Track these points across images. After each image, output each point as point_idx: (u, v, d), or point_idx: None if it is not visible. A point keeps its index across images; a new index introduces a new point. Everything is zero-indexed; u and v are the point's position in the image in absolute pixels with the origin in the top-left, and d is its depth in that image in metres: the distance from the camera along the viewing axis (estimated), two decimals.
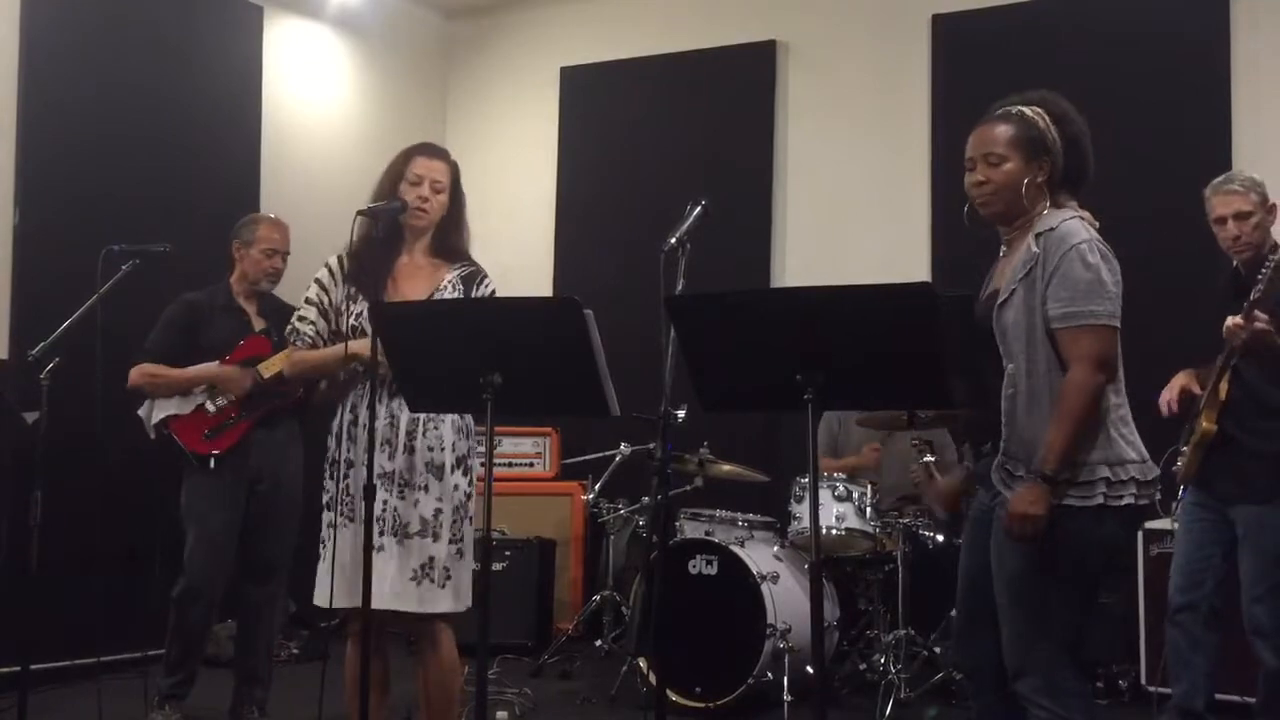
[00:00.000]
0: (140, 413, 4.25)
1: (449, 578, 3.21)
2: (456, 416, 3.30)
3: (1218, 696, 3.84)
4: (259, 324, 4.34)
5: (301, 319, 3.35)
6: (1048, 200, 2.74)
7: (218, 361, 4.22)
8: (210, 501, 4.18)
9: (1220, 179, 3.82)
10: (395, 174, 3.33)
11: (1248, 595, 3.65)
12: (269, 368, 4.17)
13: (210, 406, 4.20)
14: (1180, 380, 3.87)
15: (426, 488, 3.23)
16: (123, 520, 4.52)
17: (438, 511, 3.23)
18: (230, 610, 4.45)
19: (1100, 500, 2.59)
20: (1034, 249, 2.65)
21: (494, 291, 3.39)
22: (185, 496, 4.23)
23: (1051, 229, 2.65)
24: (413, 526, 3.21)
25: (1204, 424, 3.64)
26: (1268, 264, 3.44)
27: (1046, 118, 2.75)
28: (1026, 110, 2.77)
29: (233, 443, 4.20)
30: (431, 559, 3.20)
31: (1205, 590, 3.75)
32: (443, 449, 3.26)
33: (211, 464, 4.16)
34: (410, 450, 3.24)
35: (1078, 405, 2.56)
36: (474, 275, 3.39)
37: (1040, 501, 2.55)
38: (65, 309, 4.05)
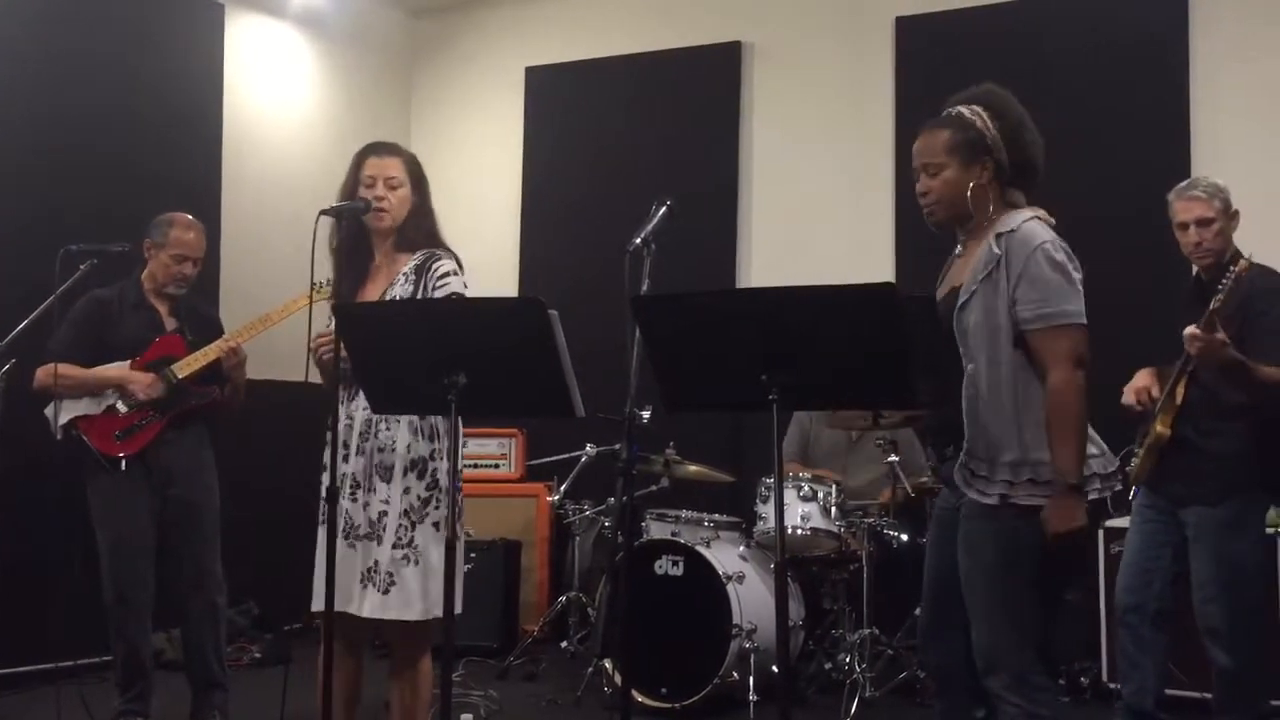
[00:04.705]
0: (46, 412, 4.09)
1: (392, 583, 3.15)
2: (416, 418, 3.25)
3: (1170, 693, 3.87)
4: (170, 323, 4.22)
5: None
6: (998, 200, 2.74)
7: (129, 362, 4.10)
8: (121, 504, 4.08)
9: (1184, 184, 3.79)
10: (352, 181, 3.32)
11: (1199, 596, 3.64)
12: (184, 368, 4.09)
13: (122, 407, 4.08)
14: (1142, 380, 3.84)
15: (374, 489, 3.20)
16: (82, 523, 4.46)
17: (382, 514, 3.19)
18: (176, 620, 4.36)
19: None
20: (995, 250, 2.66)
21: (451, 271, 3.27)
22: (94, 501, 4.11)
23: (1012, 230, 2.66)
24: (362, 529, 3.19)
25: (1158, 428, 3.65)
26: (1229, 274, 3.41)
27: (985, 115, 2.74)
28: (965, 111, 2.76)
29: (144, 444, 4.09)
30: (376, 563, 3.17)
31: (1153, 591, 3.75)
32: (393, 450, 3.21)
33: (122, 465, 4.06)
34: (362, 452, 3.22)
35: (1073, 409, 2.58)
36: (428, 259, 3.28)
37: (1077, 512, 2.56)
38: (23, 309, 4.01)
